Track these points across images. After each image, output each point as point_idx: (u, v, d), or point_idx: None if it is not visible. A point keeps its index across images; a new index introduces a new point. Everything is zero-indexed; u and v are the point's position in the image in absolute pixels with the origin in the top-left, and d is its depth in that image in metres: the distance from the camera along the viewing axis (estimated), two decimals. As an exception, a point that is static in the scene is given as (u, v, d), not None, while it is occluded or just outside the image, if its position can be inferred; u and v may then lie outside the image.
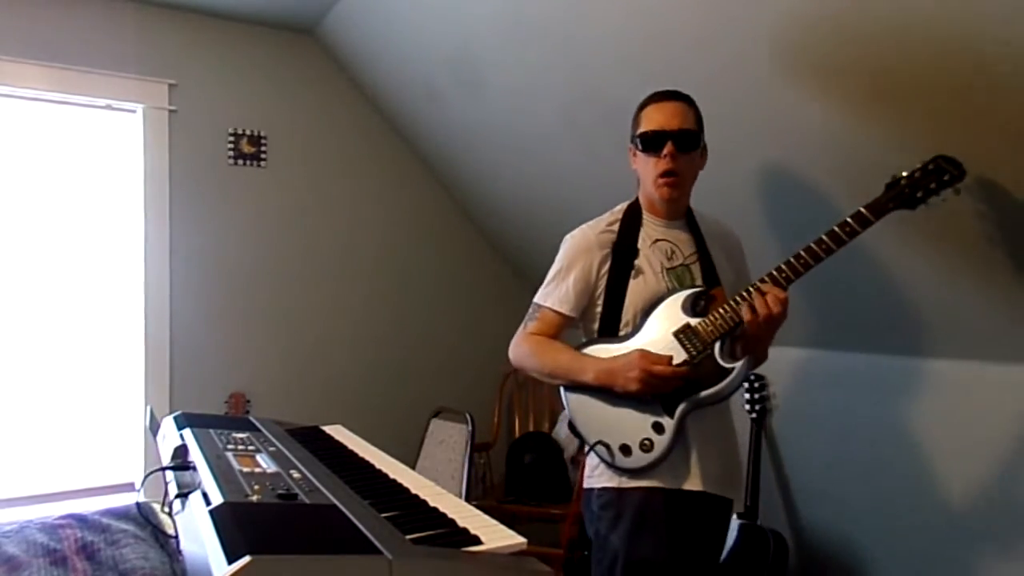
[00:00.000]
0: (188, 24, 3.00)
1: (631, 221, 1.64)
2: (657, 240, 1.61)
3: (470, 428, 3.03)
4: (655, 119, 1.53)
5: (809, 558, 2.43)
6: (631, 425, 1.52)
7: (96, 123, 2.92)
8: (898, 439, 2.17)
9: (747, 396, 2.54)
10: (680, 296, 1.53)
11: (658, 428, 1.50)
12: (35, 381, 2.81)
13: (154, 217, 2.95)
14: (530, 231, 3.33)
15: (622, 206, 1.68)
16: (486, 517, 0.96)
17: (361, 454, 1.38)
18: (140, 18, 2.91)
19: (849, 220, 1.39)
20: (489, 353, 3.63)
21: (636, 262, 1.59)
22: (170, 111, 2.97)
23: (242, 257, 3.14)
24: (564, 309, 1.64)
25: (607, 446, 1.54)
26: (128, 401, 2.96)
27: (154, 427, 1.65)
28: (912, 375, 2.13)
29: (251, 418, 1.61)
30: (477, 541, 0.87)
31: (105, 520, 1.51)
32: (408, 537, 0.83)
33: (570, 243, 1.67)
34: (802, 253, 1.41)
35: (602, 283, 1.61)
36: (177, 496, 1.01)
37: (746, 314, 1.41)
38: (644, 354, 1.47)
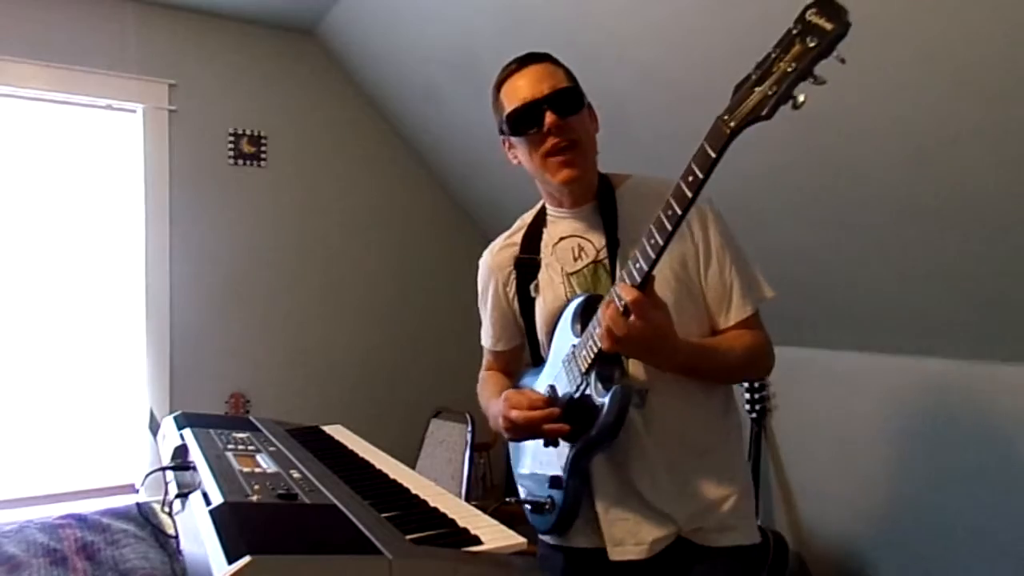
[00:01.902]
0: (188, 24, 3.00)
1: (535, 225, 1.37)
2: (562, 239, 1.30)
3: (470, 428, 3.03)
4: (519, 91, 1.22)
5: (809, 558, 2.43)
6: (538, 475, 1.29)
7: (96, 123, 2.92)
8: (898, 439, 2.17)
9: (747, 396, 2.54)
10: (570, 309, 1.22)
11: (555, 483, 1.23)
12: (36, 382, 2.81)
13: (154, 217, 2.95)
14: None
15: (531, 212, 1.42)
16: (486, 517, 0.96)
17: (361, 454, 1.38)
18: (140, 18, 2.91)
19: (692, 166, 0.92)
20: (489, 353, 3.63)
21: (538, 276, 1.31)
22: (170, 111, 2.97)
23: (242, 257, 3.14)
24: (490, 345, 1.47)
25: (529, 503, 1.31)
26: (128, 401, 2.96)
27: (154, 427, 1.65)
28: (912, 375, 2.13)
29: (251, 418, 1.61)
30: (477, 541, 0.87)
31: (105, 520, 1.51)
32: (408, 537, 0.83)
33: (479, 272, 1.45)
34: (652, 229, 0.99)
35: (515, 305, 1.36)
36: (177, 496, 1.01)
37: (600, 338, 1.06)
38: (507, 396, 1.21)
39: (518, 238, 1.39)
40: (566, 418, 1.14)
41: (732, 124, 0.88)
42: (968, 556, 1.99)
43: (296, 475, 1.06)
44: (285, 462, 1.15)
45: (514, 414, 1.17)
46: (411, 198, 3.54)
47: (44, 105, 2.82)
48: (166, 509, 1.09)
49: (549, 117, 1.19)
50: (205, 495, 0.91)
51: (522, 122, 1.22)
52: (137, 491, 2.19)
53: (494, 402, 1.29)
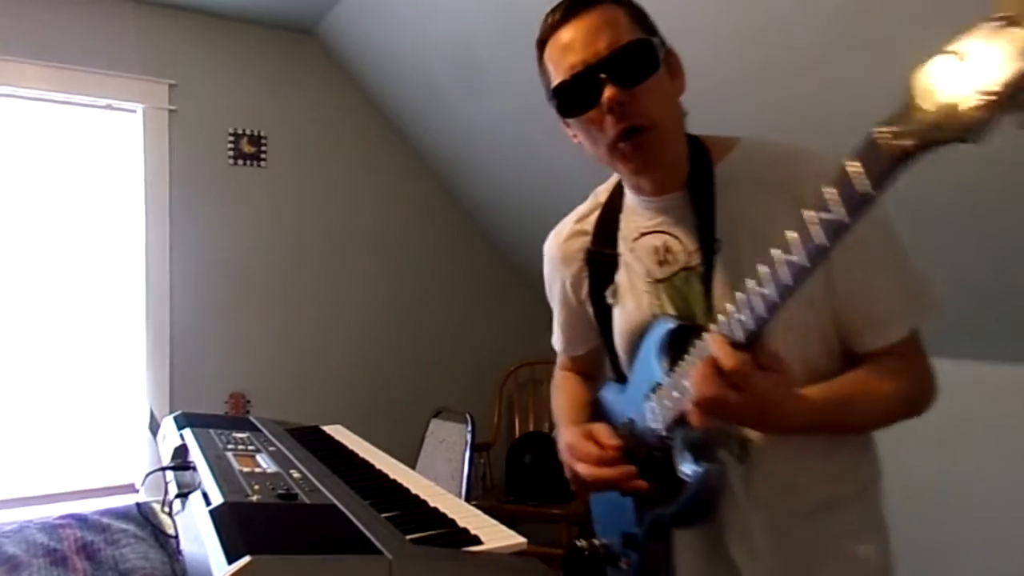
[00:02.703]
0: (188, 24, 3.00)
1: (611, 208, 1.08)
2: (643, 234, 1.01)
3: (470, 428, 3.03)
4: (566, 53, 0.89)
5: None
6: (616, 525, 1.06)
7: (96, 123, 2.92)
8: (902, 439, 2.17)
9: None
10: (656, 335, 0.96)
11: (629, 542, 1.03)
12: (36, 381, 2.81)
13: (154, 217, 2.95)
14: (531, 231, 3.33)
15: (608, 184, 1.12)
16: (486, 517, 0.96)
17: (361, 454, 1.38)
18: (140, 18, 2.91)
19: (829, 197, 0.63)
20: (489, 353, 3.63)
21: (616, 278, 1.04)
22: (170, 111, 2.97)
23: (242, 257, 3.14)
24: (560, 349, 1.26)
25: (603, 549, 1.10)
26: (128, 401, 2.96)
27: (154, 427, 1.65)
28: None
29: (251, 418, 1.61)
30: (477, 541, 0.87)
31: (105, 520, 1.51)
32: (408, 537, 0.83)
33: (544, 262, 1.21)
34: (765, 274, 0.72)
35: (588, 306, 1.11)
36: (177, 496, 1.01)
37: (688, 412, 0.81)
38: (572, 443, 0.98)
39: (590, 223, 1.10)
40: (645, 472, 0.91)
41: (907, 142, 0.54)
42: (973, 557, 1.99)
43: (296, 475, 1.06)
44: (285, 462, 1.15)
45: (581, 469, 0.95)
46: (411, 198, 3.54)
47: (44, 105, 2.82)
48: (166, 509, 1.08)
49: (608, 91, 0.86)
50: (205, 495, 0.91)
51: (572, 99, 0.90)
52: (137, 491, 2.19)
53: (563, 429, 1.09)
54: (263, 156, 3.17)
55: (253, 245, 3.16)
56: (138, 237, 2.94)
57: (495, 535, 0.89)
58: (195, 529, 0.84)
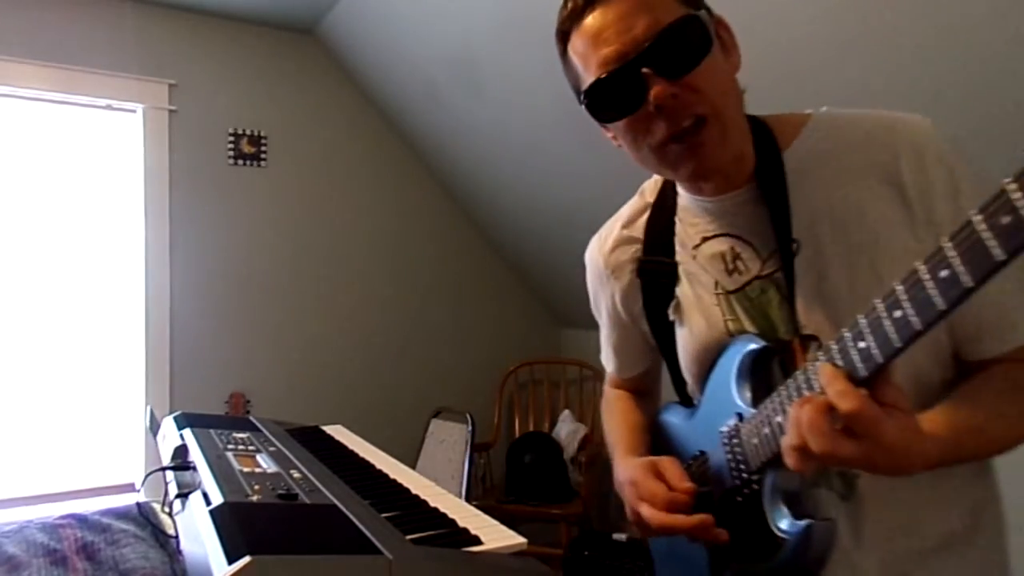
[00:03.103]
0: (188, 24, 3.00)
1: (662, 210, 0.93)
2: (705, 240, 0.87)
3: (470, 428, 3.03)
4: (597, 45, 0.74)
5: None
6: (682, 573, 0.94)
7: (96, 123, 2.92)
8: None
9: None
10: (734, 359, 0.83)
11: None
12: (36, 381, 2.81)
13: (154, 217, 2.95)
14: (531, 230, 3.34)
15: (656, 180, 0.97)
16: (486, 517, 0.96)
17: (361, 454, 1.38)
18: (140, 18, 2.91)
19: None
20: (489, 353, 3.64)
21: (677, 291, 0.90)
22: (170, 111, 2.97)
23: (242, 257, 3.14)
24: (611, 370, 1.12)
25: None
26: (128, 401, 2.96)
27: (154, 427, 1.65)
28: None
29: (251, 418, 1.61)
30: (477, 541, 0.87)
31: (105, 520, 1.51)
32: (408, 537, 0.83)
33: (587, 273, 1.07)
34: (899, 292, 0.59)
35: (644, 323, 0.97)
36: (177, 496, 1.01)
37: (786, 453, 0.68)
38: (636, 480, 0.85)
39: (639, 228, 0.95)
40: (724, 519, 0.78)
41: None
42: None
43: (296, 475, 1.06)
44: (285, 462, 1.15)
45: (646, 512, 0.81)
46: (411, 198, 3.54)
47: (44, 105, 2.82)
48: (166, 509, 1.08)
49: (656, 87, 0.71)
50: (205, 495, 0.91)
51: (611, 101, 0.76)
52: (137, 491, 2.19)
53: (620, 458, 0.96)
54: (263, 156, 3.17)
55: (253, 245, 3.16)
56: (138, 237, 2.94)
57: (495, 535, 0.89)
58: (195, 529, 0.84)
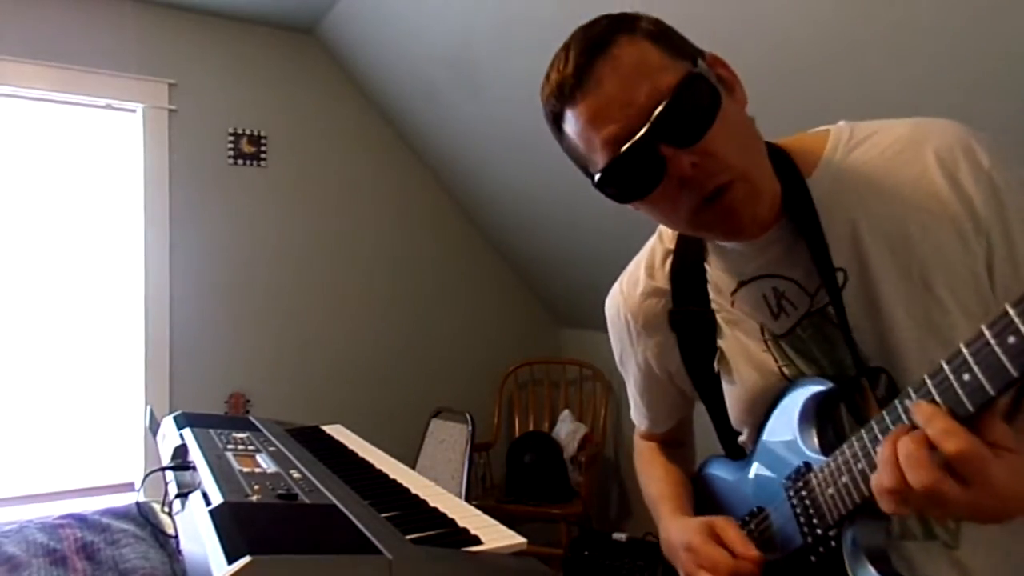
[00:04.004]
0: (188, 24, 3.00)
1: (687, 257, 0.87)
2: (743, 284, 0.82)
3: (470, 428, 3.03)
4: (597, 127, 0.69)
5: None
6: None
7: (96, 123, 2.92)
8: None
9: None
10: (795, 403, 0.77)
11: None
12: (35, 381, 2.81)
13: (154, 217, 2.95)
14: (531, 230, 3.34)
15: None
16: (486, 517, 0.96)
17: (361, 454, 1.38)
18: (140, 18, 2.91)
19: None
20: (489, 353, 3.64)
21: (719, 343, 0.84)
22: (170, 111, 2.97)
23: (242, 257, 3.14)
24: (646, 428, 1.05)
25: None
26: (128, 401, 2.96)
27: (154, 427, 1.65)
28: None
29: (251, 418, 1.61)
30: (477, 541, 0.87)
31: (105, 520, 1.51)
32: (408, 537, 0.83)
33: (609, 327, 0.98)
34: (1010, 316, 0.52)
35: (683, 379, 0.91)
36: (177, 496, 1.01)
37: (879, 493, 0.61)
38: (693, 545, 0.79)
39: (663, 277, 0.88)
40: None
41: None
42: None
43: (296, 475, 1.06)
44: (285, 462, 1.15)
45: None
46: (411, 198, 3.54)
47: (44, 105, 2.82)
48: (166, 509, 1.08)
49: (676, 160, 0.67)
50: (205, 495, 0.91)
51: (628, 183, 0.71)
52: (137, 491, 2.19)
53: (667, 517, 0.90)
54: (263, 156, 3.17)
55: (253, 245, 3.16)
56: (138, 237, 2.94)
57: (495, 535, 0.89)
58: (195, 529, 0.84)
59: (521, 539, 0.88)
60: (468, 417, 3.06)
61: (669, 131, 0.66)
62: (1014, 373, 0.52)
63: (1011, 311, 0.51)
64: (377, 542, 0.77)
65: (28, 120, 2.80)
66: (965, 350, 0.55)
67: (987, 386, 0.54)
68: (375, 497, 1.01)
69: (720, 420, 0.88)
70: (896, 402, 0.62)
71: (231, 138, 3.11)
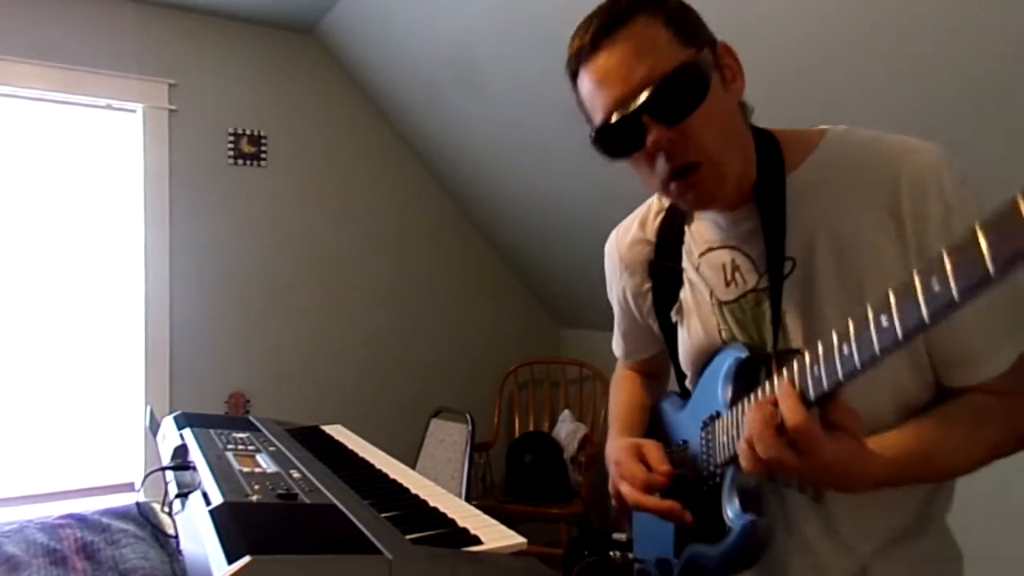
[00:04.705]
0: (188, 24, 3.00)
1: (674, 218, 0.99)
2: (710, 250, 0.92)
3: (470, 428, 3.03)
4: (600, 90, 0.80)
5: None
6: (654, 545, 1.00)
7: (96, 123, 2.92)
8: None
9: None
10: (724, 362, 0.88)
11: (663, 568, 0.96)
12: (35, 381, 2.81)
13: (154, 217, 2.95)
14: (531, 230, 3.34)
15: None
16: (486, 517, 0.96)
17: (361, 454, 1.38)
18: (140, 18, 2.91)
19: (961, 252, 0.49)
20: (489, 353, 3.64)
21: (681, 295, 0.97)
22: (170, 111, 2.97)
23: (242, 257, 3.14)
24: (621, 355, 1.19)
25: (635, 561, 1.04)
26: (128, 401, 2.96)
27: (154, 427, 1.65)
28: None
29: (251, 418, 1.61)
30: (477, 541, 0.87)
31: (105, 520, 1.51)
32: (408, 537, 0.83)
33: (605, 262, 1.12)
34: (849, 329, 0.62)
35: (652, 320, 1.04)
36: (177, 496, 1.01)
37: (741, 454, 0.74)
38: (620, 460, 0.93)
39: (652, 231, 1.01)
40: (692, 503, 0.85)
41: None
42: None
43: (296, 475, 1.06)
44: (285, 462, 1.15)
45: (624, 490, 0.90)
46: (411, 198, 3.54)
47: (44, 105, 2.82)
48: (166, 509, 1.08)
49: (653, 133, 0.77)
50: (205, 495, 0.91)
51: (614, 143, 0.82)
52: (137, 491, 2.19)
53: (613, 435, 1.04)
54: (263, 156, 3.17)
55: (253, 245, 3.16)
56: (138, 237, 2.94)
57: (495, 535, 0.89)
58: (195, 529, 0.84)
59: (521, 539, 0.88)
60: (468, 417, 3.06)
61: (655, 108, 0.76)
62: (840, 378, 0.63)
63: (850, 325, 0.61)
64: (377, 542, 0.77)
65: (28, 120, 2.80)
66: (820, 349, 0.66)
67: (825, 386, 0.65)
68: (375, 497, 1.01)
69: (676, 362, 1.02)
70: (775, 376, 0.73)
71: (231, 138, 3.11)
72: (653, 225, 1.01)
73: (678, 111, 0.76)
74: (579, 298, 3.44)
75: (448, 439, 3.13)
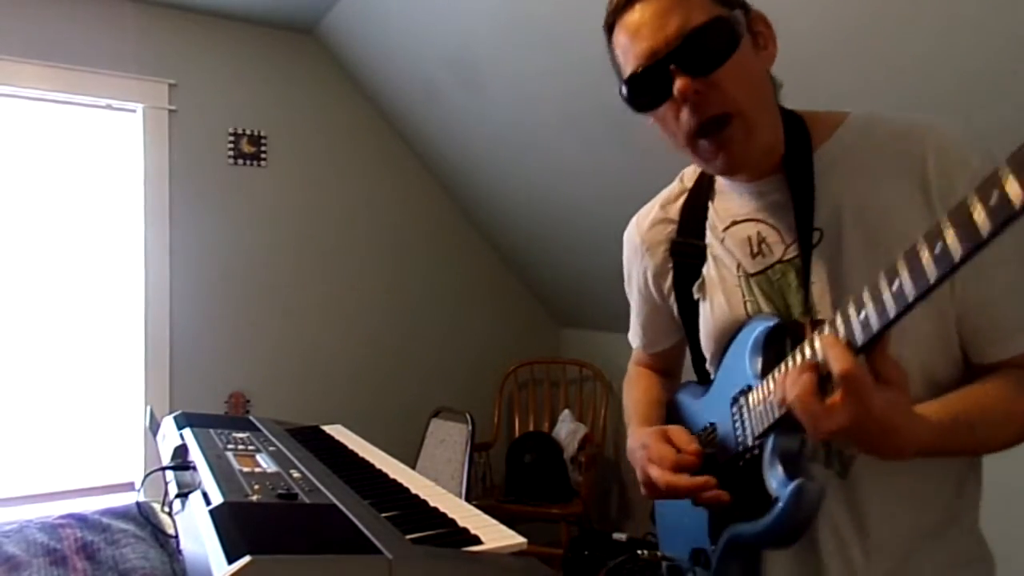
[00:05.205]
0: (188, 24, 3.00)
1: (699, 193, 0.98)
2: (735, 222, 0.92)
3: (470, 428, 3.03)
4: (633, 42, 0.81)
5: None
6: (684, 538, 0.97)
7: (96, 123, 2.92)
8: None
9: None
10: (751, 334, 0.86)
11: (698, 558, 0.93)
12: (35, 381, 2.81)
13: (154, 217, 2.95)
14: (531, 230, 3.34)
15: (692, 171, 1.02)
16: (486, 517, 0.96)
17: (361, 454, 1.38)
18: (140, 18, 2.91)
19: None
20: (489, 353, 3.64)
21: (703, 271, 0.95)
22: (170, 111, 2.97)
23: (242, 257, 3.14)
24: (637, 345, 1.16)
25: (667, 562, 1.00)
26: (128, 401, 2.96)
27: (154, 427, 1.65)
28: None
29: (251, 418, 1.61)
30: (477, 541, 0.87)
31: (105, 520, 1.51)
32: (408, 537, 0.83)
33: (624, 250, 1.10)
34: (900, 262, 0.61)
35: (672, 301, 1.02)
36: (177, 496, 1.01)
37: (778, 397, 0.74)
38: (647, 443, 0.90)
39: (675, 210, 1.00)
40: (726, 483, 0.82)
41: None
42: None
43: (296, 475, 1.06)
44: (285, 462, 1.15)
45: (654, 473, 0.86)
46: (411, 197, 3.54)
47: (44, 105, 2.82)
48: (166, 509, 1.08)
49: (679, 83, 0.78)
50: (205, 495, 0.91)
51: (642, 93, 0.82)
52: (137, 491, 2.19)
53: (634, 428, 1.01)
54: (263, 156, 3.17)
55: (253, 245, 3.16)
56: (138, 237, 2.94)
57: (495, 535, 0.89)
58: (195, 529, 0.84)
59: (521, 539, 0.88)
60: (468, 417, 3.06)
61: (683, 58, 0.78)
62: (893, 313, 0.61)
63: (900, 262, 0.60)
64: (377, 542, 0.77)
65: (28, 120, 2.80)
66: (864, 294, 0.64)
67: (875, 322, 0.63)
68: (375, 497, 1.01)
69: (695, 347, 1.00)
70: (815, 334, 0.71)
71: (231, 138, 3.11)
72: (675, 206, 1.01)
73: (706, 63, 0.78)
74: (579, 298, 3.44)
75: (448, 439, 3.13)
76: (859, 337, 0.65)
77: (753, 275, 0.89)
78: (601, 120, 2.34)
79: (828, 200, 0.83)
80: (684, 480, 0.84)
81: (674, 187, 1.03)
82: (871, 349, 0.66)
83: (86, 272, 2.91)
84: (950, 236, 0.55)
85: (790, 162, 0.85)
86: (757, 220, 0.89)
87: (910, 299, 0.59)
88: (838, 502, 0.83)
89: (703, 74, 0.77)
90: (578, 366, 3.45)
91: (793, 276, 0.85)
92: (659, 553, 1.02)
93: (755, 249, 0.89)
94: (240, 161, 3.13)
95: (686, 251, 0.97)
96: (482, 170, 3.25)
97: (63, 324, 2.87)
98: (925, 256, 0.57)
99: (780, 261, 0.87)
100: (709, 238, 0.95)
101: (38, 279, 2.82)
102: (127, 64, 2.89)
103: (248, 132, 3.14)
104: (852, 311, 0.66)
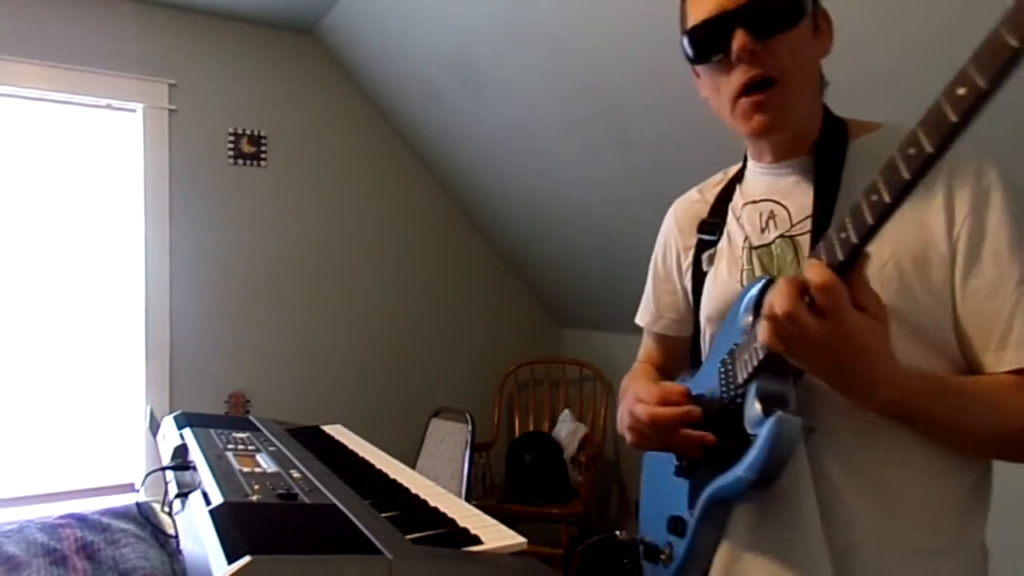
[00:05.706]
0: (188, 24, 3.00)
1: (732, 182, 1.03)
2: (752, 202, 0.96)
3: (470, 428, 3.03)
4: (707, 4, 0.84)
5: None
6: (665, 513, 0.96)
7: (96, 123, 2.92)
8: None
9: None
10: (744, 297, 0.87)
11: (675, 527, 0.93)
12: (35, 381, 2.81)
13: (154, 217, 2.95)
14: (531, 231, 3.34)
15: (736, 167, 1.07)
16: (486, 517, 0.96)
17: (361, 454, 1.38)
18: (140, 18, 2.91)
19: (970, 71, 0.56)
20: (489, 353, 3.64)
21: (718, 244, 0.99)
22: (170, 111, 2.97)
23: (242, 257, 3.14)
24: (646, 322, 1.16)
25: (643, 544, 1.00)
26: (128, 401, 2.96)
27: (154, 427, 1.65)
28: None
29: (251, 418, 1.61)
30: (477, 541, 0.87)
31: (105, 520, 1.51)
32: (408, 537, 0.83)
33: (662, 226, 1.14)
34: (877, 180, 0.63)
35: (688, 281, 1.06)
36: (177, 496, 1.01)
37: (761, 332, 0.73)
38: (635, 387, 0.94)
39: (712, 193, 1.05)
40: (709, 431, 0.84)
41: None
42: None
43: (296, 475, 1.06)
44: (285, 462, 1.15)
45: (639, 408, 0.88)
46: (411, 197, 3.54)
47: (44, 105, 2.82)
48: (166, 509, 1.08)
49: (739, 39, 0.81)
50: (205, 495, 0.91)
51: (703, 44, 0.85)
52: (137, 491, 2.19)
53: (624, 397, 1.01)
54: (263, 156, 3.17)
55: (253, 245, 3.16)
56: (138, 237, 2.94)
57: (495, 535, 0.89)
58: (195, 529, 0.84)
59: (521, 539, 0.88)
60: (468, 417, 3.06)
61: (747, 17, 0.81)
62: (870, 222, 0.62)
63: (878, 178, 0.62)
64: (377, 542, 0.77)
65: (28, 120, 2.80)
66: (846, 215, 0.65)
67: (854, 236, 0.64)
68: (375, 497, 1.01)
69: (696, 327, 1.03)
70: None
71: (231, 138, 3.11)
72: (713, 191, 1.05)
73: (768, 27, 0.81)
74: (579, 298, 3.44)
75: (448, 439, 3.13)
76: (840, 254, 0.66)
77: (756, 247, 0.92)
78: (601, 121, 2.34)
79: (850, 192, 0.84)
80: (666, 411, 0.86)
81: (717, 176, 1.08)
82: (849, 275, 0.67)
83: (86, 272, 2.91)
84: (921, 134, 0.58)
85: (823, 147, 0.88)
86: (774, 200, 0.93)
87: (888, 200, 0.61)
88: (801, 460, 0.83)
89: (762, 37, 0.81)
90: (578, 366, 3.45)
91: (789, 249, 0.89)
92: (638, 537, 1.03)
93: (764, 224, 0.93)
94: (240, 161, 3.13)
95: (710, 228, 1.01)
96: (482, 170, 3.25)
97: (63, 324, 2.87)
98: (900, 162, 0.60)
99: (782, 236, 0.90)
100: (729, 216, 0.99)
101: (38, 279, 2.82)
102: (127, 64, 2.89)
103: (248, 132, 3.14)
104: (833, 232, 0.67)
